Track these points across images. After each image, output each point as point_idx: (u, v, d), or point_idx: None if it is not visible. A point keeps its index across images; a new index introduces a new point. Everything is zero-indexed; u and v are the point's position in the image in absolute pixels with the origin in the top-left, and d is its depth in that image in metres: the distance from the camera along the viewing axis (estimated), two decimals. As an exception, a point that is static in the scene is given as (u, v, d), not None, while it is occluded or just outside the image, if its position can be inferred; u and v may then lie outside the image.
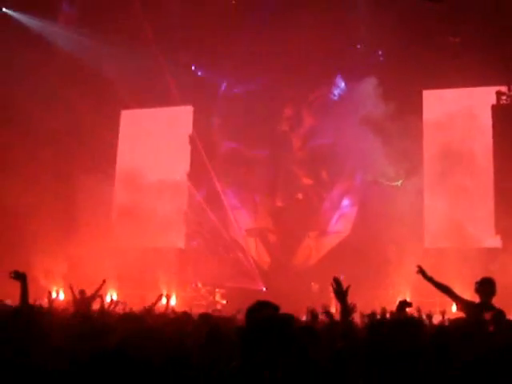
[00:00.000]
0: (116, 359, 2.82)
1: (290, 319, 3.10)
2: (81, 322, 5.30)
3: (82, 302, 9.46)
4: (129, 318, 5.36)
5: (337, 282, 4.11)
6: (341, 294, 4.10)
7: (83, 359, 2.99)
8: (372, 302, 15.19)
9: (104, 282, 10.11)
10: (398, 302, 6.34)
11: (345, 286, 4.12)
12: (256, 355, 2.63)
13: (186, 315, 6.49)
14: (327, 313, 6.19)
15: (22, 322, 4.50)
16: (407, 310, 6.26)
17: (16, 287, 5.09)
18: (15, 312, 4.86)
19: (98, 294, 9.41)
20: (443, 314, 7.20)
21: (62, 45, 18.93)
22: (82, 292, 9.59)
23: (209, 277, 18.55)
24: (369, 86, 17.38)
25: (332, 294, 4.33)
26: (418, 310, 7.64)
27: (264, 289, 18.35)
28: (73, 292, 9.98)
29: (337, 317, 5.18)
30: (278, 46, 17.81)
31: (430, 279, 6.38)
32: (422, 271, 6.39)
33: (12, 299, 6.60)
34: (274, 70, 18.63)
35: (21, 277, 5.10)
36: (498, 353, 3.41)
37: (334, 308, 11.42)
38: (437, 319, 7.71)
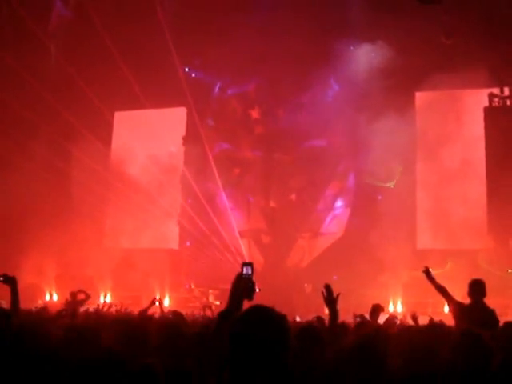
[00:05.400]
0: (107, 363, 2.82)
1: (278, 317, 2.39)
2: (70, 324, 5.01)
3: (73, 304, 9.29)
4: (121, 320, 5.28)
5: (328, 290, 4.19)
6: (331, 301, 4.20)
7: (75, 363, 2.98)
8: (365, 302, 15.26)
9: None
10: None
11: (336, 287, 4.18)
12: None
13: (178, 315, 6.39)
14: (319, 318, 6.24)
15: (12, 330, 3.89)
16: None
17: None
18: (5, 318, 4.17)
19: (87, 296, 9.10)
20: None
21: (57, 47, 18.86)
22: (72, 294, 9.37)
23: (202, 278, 18.54)
24: (362, 87, 17.42)
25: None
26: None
27: (257, 290, 18.30)
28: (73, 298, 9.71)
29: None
30: (271, 47, 17.80)
31: (432, 279, 6.50)
32: (427, 271, 6.51)
33: (7, 300, 6.27)
34: (267, 72, 18.63)
35: (10, 280, 4.70)
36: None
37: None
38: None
